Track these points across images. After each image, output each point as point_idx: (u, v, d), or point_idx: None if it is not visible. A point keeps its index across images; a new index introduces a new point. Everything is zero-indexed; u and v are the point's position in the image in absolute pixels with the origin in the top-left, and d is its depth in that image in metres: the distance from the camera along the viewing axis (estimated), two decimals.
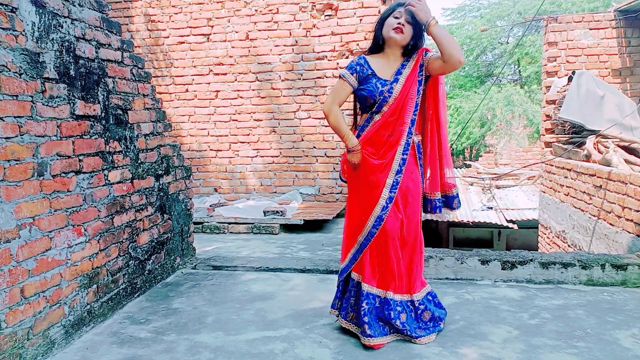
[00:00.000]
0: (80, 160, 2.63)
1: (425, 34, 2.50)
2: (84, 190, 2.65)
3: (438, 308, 2.65)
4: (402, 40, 2.47)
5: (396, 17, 2.45)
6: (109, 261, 2.88)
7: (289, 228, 5.67)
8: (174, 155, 3.73)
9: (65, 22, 2.54)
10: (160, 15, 6.89)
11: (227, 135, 6.92)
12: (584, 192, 5.41)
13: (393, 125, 2.47)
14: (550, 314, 2.83)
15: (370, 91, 2.45)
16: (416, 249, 2.56)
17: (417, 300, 2.55)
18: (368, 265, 2.52)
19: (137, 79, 3.22)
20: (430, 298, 2.63)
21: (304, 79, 6.58)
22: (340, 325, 2.63)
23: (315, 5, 6.44)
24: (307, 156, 6.70)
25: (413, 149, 2.54)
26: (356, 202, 2.57)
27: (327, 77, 6.48)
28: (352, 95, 2.59)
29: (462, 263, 3.47)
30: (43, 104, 2.36)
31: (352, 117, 2.72)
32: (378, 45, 2.55)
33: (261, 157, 6.85)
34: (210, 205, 6.43)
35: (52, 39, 2.43)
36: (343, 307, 2.62)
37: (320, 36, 6.46)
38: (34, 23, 2.31)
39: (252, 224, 5.62)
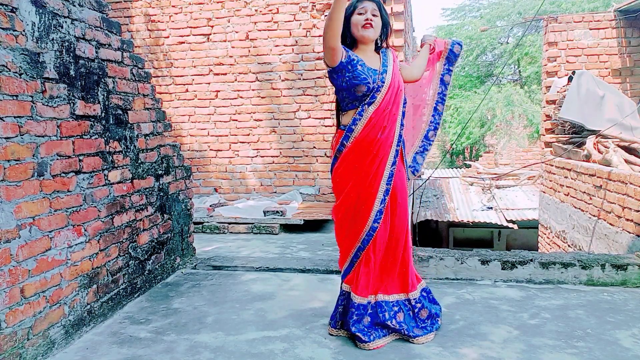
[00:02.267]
0: (80, 160, 2.63)
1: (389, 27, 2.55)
2: (84, 190, 2.65)
3: (433, 304, 2.64)
4: (374, 35, 2.46)
5: (361, 14, 2.42)
6: (109, 261, 2.88)
7: (289, 228, 5.67)
8: (174, 155, 3.73)
9: (65, 22, 2.54)
10: (160, 15, 6.89)
11: (227, 135, 6.91)
12: (584, 192, 5.41)
13: (388, 117, 2.42)
14: (550, 314, 2.83)
15: (364, 78, 2.37)
16: (407, 247, 2.55)
17: (414, 299, 2.54)
18: (361, 274, 2.47)
19: (137, 79, 3.22)
20: (425, 294, 2.62)
21: (304, 79, 6.58)
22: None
23: (315, 5, 6.44)
24: (307, 156, 6.69)
25: (400, 145, 2.54)
26: (352, 201, 2.47)
27: (327, 77, 6.47)
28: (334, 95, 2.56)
29: (462, 263, 3.47)
30: (43, 104, 2.37)
31: (335, 116, 2.62)
32: (348, 43, 2.49)
33: (261, 157, 6.85)
34: (210, 205, 6.43)
35: (52, 39, 2.43)
36: (332, 316, 2.60)
37: (320, 36, 6.44)
38: (34, 23, 2.31)
39: (252, 224, 5.62)
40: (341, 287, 2.58)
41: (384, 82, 2.42)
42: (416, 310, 2.53)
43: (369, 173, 2.43)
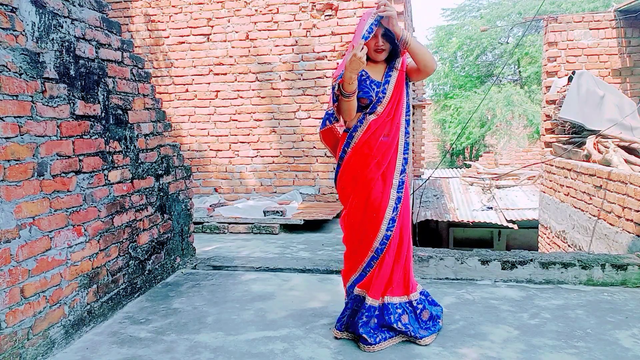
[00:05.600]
0: (80, 160, 2.63)
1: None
2: (84, 190, 2.65)
3: (433, 305, 2.65)
4: (385, 56, 2.50)
5: (371, 38, 2.43)
6: (109, 261, 2.88)
7: (289, 228, 5.67)
8: (174, 155, 3.73)
9: (65, 22, 2.54)
10: (160, 15, 6.89)
11: (227, 135, 6.91)
12: (584, 192, 5.41)
13: (389, 126, 2.47)
14: (550, 314, 2.83)
15: (366, 92, 2.45)
16: (409, 249, 2.57)
17: (415, 300, 2.54)
18: (376, 277, 2.47)
19: (137, 79, 3.22)
20: (423, 297, 2.63)
21: (304, 79, 6.58)
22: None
23: (315, 5, 6.44)
24: (307, 156, 6.69)
25: (408, 153, 2.56)
26: (360, 210, 2.48)
27: (327, 77, 6.47)
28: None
29: (462, 263, 3.47)
30: (43, 104, 2.37)
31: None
32: None
33: (261, 157, 6.85)
34: (210, 205, 6.43)
35: (52, 39, 2.43)
36: (339, 319, 2.60)
37: (320, 36, 6.45)
38: (34, 23, 2.31)
39: (252, 224, 5.62)
40: (352, 292, 2.56)
41: (385, 93, 2.47)
42: (418, 311, 2.53)
43: (374, 181, 2.45)
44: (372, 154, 2.45)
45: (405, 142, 2.52)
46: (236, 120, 6.86)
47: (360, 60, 2.26)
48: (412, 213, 7.35)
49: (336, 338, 2.56)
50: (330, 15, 6.41)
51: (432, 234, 10.86)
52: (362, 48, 2.28)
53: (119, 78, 3.02)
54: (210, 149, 6.99)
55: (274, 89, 6.69)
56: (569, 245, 6.03)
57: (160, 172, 3.51)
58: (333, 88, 2.47)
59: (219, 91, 6.86)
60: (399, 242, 2.50)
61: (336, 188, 2.62)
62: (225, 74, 6.80)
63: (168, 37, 6.90)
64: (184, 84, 6.94)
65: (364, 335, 2.41)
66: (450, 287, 3.32)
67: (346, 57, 2.37)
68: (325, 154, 6.60)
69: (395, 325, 2.45)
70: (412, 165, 11.54)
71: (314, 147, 6.65)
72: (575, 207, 5.75)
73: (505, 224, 8.37)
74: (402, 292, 2.53)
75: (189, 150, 6.95)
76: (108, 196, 2.87)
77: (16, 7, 2.21)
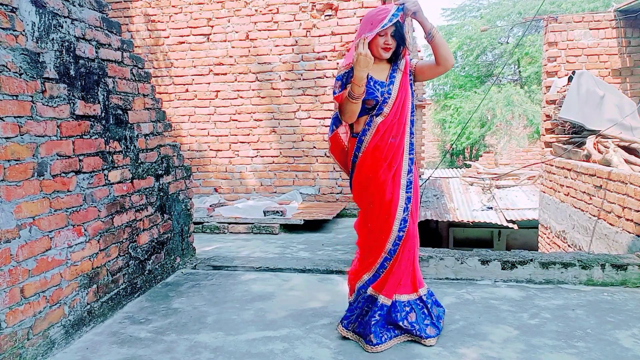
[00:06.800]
0: (80, 160, 2.63)
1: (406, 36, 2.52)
2: (84, 190, 2.65)
3: (437, 306, 2.66)
4: (389, 55, 2.50)
5: (381, 35, 2.44)
6: (109, 261, 2.88)
7: (289, 228, 5.67)
8: (174, 155, 3.73)
9: (65, 22, 2.54)
10: (160, 15, 6.89)
11: (227, 135, 6.92)
12: (584, 192, 5.41)
13: (397, 127, 2.47)
14: (550, 314, 2.83)
15: (372, 93, 2.45)
16: (417, 246, 2.58)
17: (424, 295, 2.56)
18: (390, 277, 2.47)
19: (137, 79, 3.22)
20: (428, 295, 2.64)
21: (304, 79, 6.58)
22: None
23: (315, 5, 6.43)
24: (307, 156, 6.69)
25: (413, 153, 2.57)
26: (375, 212, 2.50)
27: (327, 77, 6.47)
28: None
29: (462, 263, 3.47)
30: (43, 104, 2.37)
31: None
32: None
33: (261, 157, 6.85)
34: (210, 205, 6.43)
35: (52, 39, 2.43)
36: (346, 316, 2.59)
37: (320, 36, 6.45)
38: (34, 23, 2.31)
39: (252, 224, 5.62)
40: (365, 292, 2.54)
41: (390, 94, 2.48)
42: (429, 305, 2.55)
43: (386, 182, 2.46)
44: (382, 156, 2.46)
45: (410, 142, 2.52)
46: (236, 120, 6.86)
47: (366, 57, 2.28)
48: None
49: (343, 337, 2.54)
50: (330, 15, 6.41)
51: (432, 234, 10.86)
52: (364, 43, 2.29)
53: (119, 78, 3.02)
54: (210, 149, 6.99)
55: (274, 89, 6.69)
56: (569, 245, 6.03)
57: (160, 172, 3.51)
58: (341, 78, 2.43)
59: (219, 91, 6.86)
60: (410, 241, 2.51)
61: (351, 192, 2.63)
62: (225, 74, 6.80)
63: (168, 37, 6.90)
64: (184, 84, 6.94)
65: (371, 335, 2.41)
66: (450, 287, 3.32)
67: (349, 55, 2.37)
68: (325, 154, 6.60)
69: (401, 323, 2.46)
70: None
71: (314, 147, 6.65)
72: (575, 207, 5.75)
73: (505, 224, 8.37)
74: (410, 289, 2.54)
75: (189, 150, 6.95)
76: (108, 196, 2.87)
77: (16, 7, 2.21)
